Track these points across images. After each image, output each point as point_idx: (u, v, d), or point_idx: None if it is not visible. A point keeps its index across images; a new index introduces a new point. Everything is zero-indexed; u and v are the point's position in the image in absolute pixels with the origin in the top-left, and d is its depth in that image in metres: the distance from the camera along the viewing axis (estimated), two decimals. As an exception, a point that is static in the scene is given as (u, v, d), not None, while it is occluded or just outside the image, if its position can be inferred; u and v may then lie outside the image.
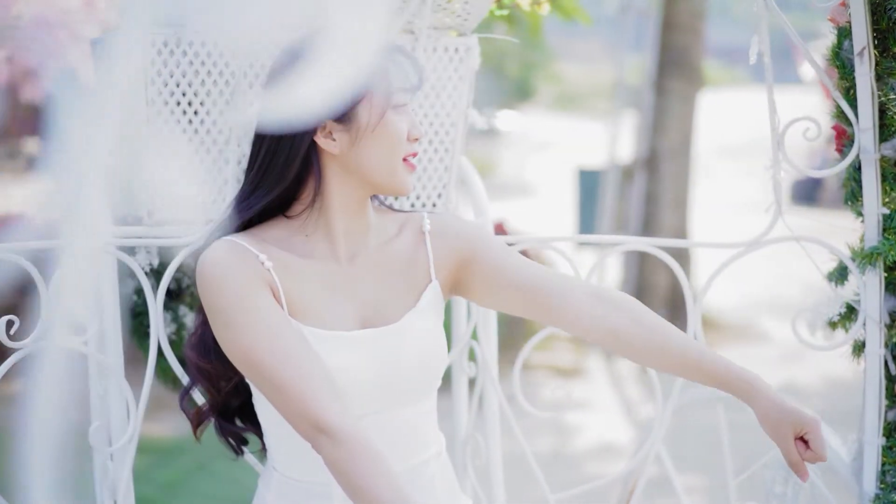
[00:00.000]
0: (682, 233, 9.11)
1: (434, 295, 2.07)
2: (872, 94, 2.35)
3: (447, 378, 2.47)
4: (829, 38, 2.44)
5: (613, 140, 10.17)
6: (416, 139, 2.02)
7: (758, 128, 2.42)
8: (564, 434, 6.30)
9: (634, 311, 2.06)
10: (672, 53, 8.95)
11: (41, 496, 1.03)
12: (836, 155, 2.47)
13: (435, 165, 2.58)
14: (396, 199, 2.49)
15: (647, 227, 9.03)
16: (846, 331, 2.47)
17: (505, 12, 2.67)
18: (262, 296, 1.91)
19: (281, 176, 1.96)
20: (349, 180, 1.98)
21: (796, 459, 1.96)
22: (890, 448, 2.41)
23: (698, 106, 9.17)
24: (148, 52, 2.31)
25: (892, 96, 2.35)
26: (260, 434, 2.08)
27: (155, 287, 2.37)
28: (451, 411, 2.76)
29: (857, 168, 2.41)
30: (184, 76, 2.33)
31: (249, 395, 2.05)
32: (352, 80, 1.90)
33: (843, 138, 2.43)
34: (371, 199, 2.06)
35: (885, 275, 2.41)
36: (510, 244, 2.61)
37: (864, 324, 2.42)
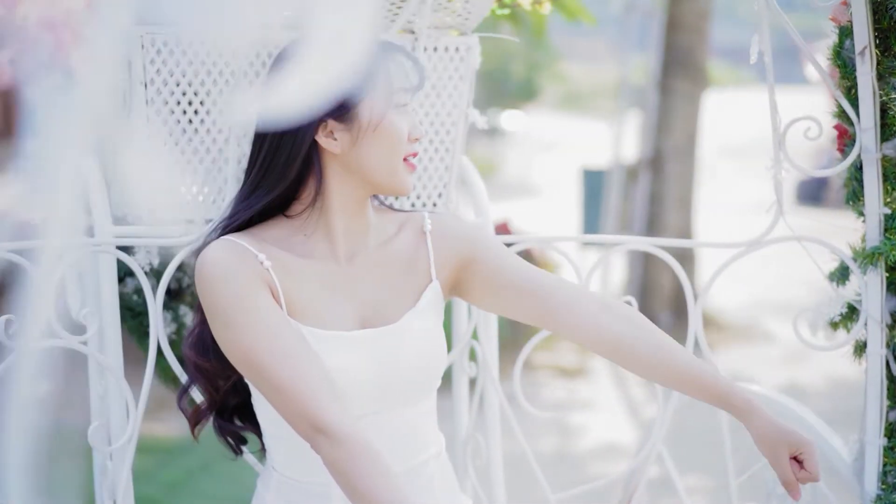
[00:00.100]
0: (686, 233, 9.09)
1: (434, 295, 2.07)
2: (874, 93, 2.34)
3: (448, 378, 2.46)
4: (832, 38, 2.43)
5: (618, 140, 10.15)
6: (417, 139, 2.02)
7: (762, 128, 2.41)
8: (568, 434, 6.29)
9: (639, 323, 2.07)
10: (677, 53, 8.94)
11: (18, 497, 1.03)
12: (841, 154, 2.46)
13: (435, 165, 2.58)
14: (397, 198, 2.49)
15: (652, 227, 9.02)
16: (847, 331, 2.46)
17: (506, 11, 2.67)
18: (261, 296, 1.91)
19: (282, 175, 1.96)
20: (350, 180, 1.98)
21: (791, 479, 1.99)
22: (891, 448, 2.41)
23: (703, 106, 9.16)
24: (148, 52, 2.31)
25: (894, 96, 2.34)
26: (259, 433, 2.08)
27: (155, 287, 2.37)
28: (452, 411, 2.76)
29: (858, 168, 2.40)
30: (183, 75, 2.33)
31: (248, 394, 2.05)
32: (353, 79, 1.90)
33: (845, 138, 2.43)
34: (371, 198, 2.06)
35: (887, 275, 2.40)
36: (512, 243, 2.61)
37: (866, 324, 2.42)
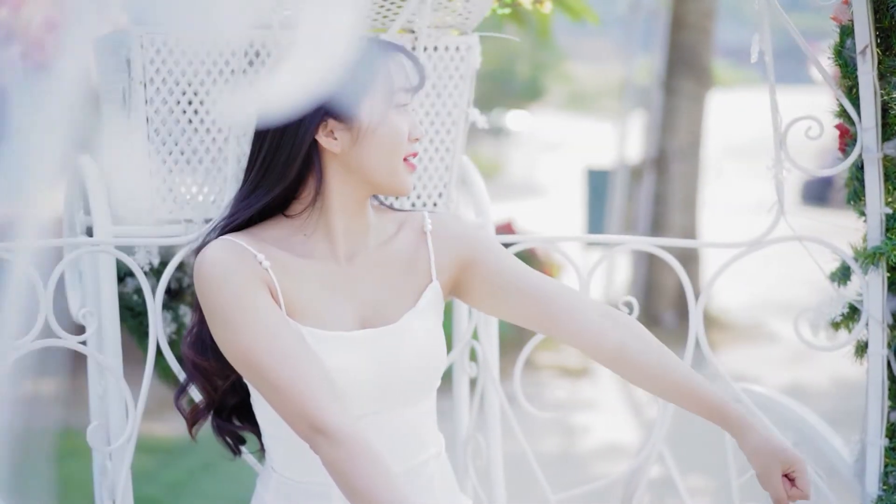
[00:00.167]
0: (691, 233, 9.09)
1: (434, 295, 2.06)
2: (875, 92, 2.34)
3: (448, 378, 2.46)
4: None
5: (622, 140, 10.15)
6: (417, 139, 2.02)
7: (767, 128, 2.41)
8: (572, 434, 6.29)
9: (639, 333, 2.08)
10: (681, 53, 8.93)
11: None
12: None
13: (436, 165, 2.57)
14: (397, 198, 2.49)
15: (656, 227, 9.01)
16: (849, 331, 2.46)
17: (507, 11, 2.67)
18: (260, 295, 1.90)
19: (282, 175, 1.96)
20: (350, 180, 1.98)
21: (781, 496, 2.01)
22: (893, 449, 2.40)
23: (708, 106, 9.15)
24: (147, 52, 2.30)
25: (895, 95, 2.33)
26: (257, 433, 2.07)
27: (154, 287, 2.37)
28: (453, 411, 2.75)
29: (859, 167, 2.40)
30: (183, 75, 2.33)
31: (246, 393, 2.05)
32: (353, 79, 1.90)
33: (846, 137, 2.42)
34: (370, 198, 2.06)
35: (888, 275, 2.39)
36: (515, 243, 2.61)
37: (867, 324, 2.41)
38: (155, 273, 2.55)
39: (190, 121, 2.37)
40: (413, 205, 2.56)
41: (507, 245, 2.22)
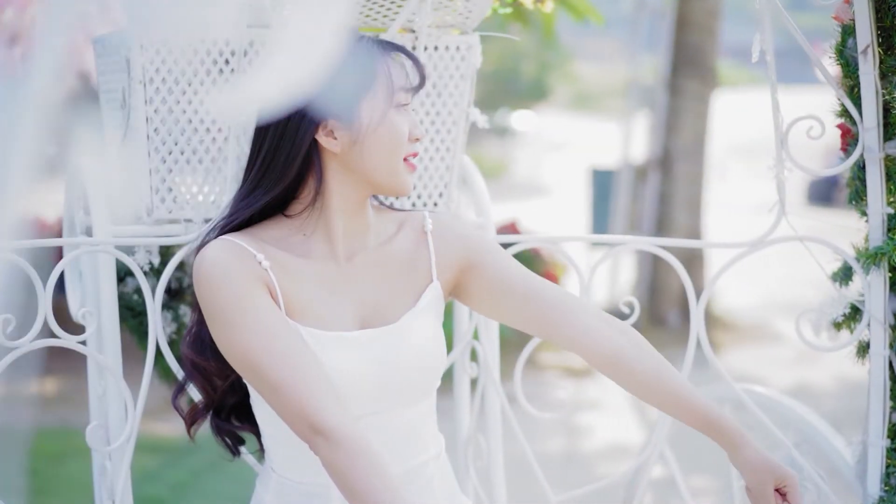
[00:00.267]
0: (695, 233, 9.07)
1: (434, 295, 2.06)
2: (877, 92, 2.33)
3: (448, 378, 2.45)
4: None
5: (627, 140, 10.13)
6: (418, 139, 2.01)
7: (771, 128, 2.40)
8: (576, 435, 6.28)
9: (638, 342, 2.07)
10: (686, 52, 8.92)
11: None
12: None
13: (436, 164, 2.57)
14: (397, 198, 2.48)
15: (661, 227, 9.00)
16: (851, 331, 2.45)
17: (508, 10, 2.66)
18: (260, 296, 1.90)
19: (282, 175, 1.96)
20: (350, 180, 1.98)
21: None
22: (895, 450, 2.39)
23: (712, 105, 9.14)
24: (147, 51, 2.30)
25: (896, 94, 2.33)
26: (256, 433, 2.07)
27: (154, 286, 2.36)
28: (453, 412, 2.75)
29: (861, 167, 2.39)
30: (183, 74, 2.33)
31: (245, 393, 2.04)
32: (353, 78, 1.90)
33: (849, 137, 2.41)
34: (370, 198, 2.05)
35: (890, 275, 2.39)
36: (518, 242, 2.61)
37: (869, 325, 2.40)
38: (155, 273, 2.54)
39: (190, 120, 2.37)
40: (413, 205, 2.56)
41: (510, 245, 2.22)
